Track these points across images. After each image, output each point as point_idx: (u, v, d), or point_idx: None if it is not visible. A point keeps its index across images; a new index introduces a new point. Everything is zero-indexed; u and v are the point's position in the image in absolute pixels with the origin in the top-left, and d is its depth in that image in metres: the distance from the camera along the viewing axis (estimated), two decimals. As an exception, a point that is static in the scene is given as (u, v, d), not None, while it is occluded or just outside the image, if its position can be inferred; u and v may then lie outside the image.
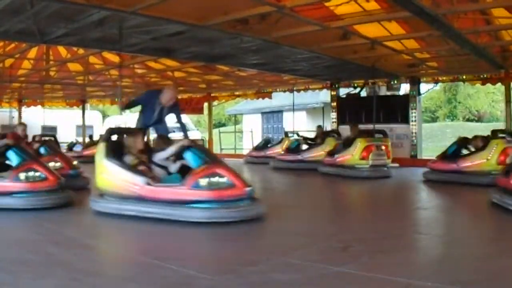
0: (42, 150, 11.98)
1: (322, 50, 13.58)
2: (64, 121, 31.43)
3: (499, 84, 18.24)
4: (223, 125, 49.72)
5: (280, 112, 32.09)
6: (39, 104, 27.69)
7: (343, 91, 21.36)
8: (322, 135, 17.80)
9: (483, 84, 18.97)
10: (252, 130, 31.76)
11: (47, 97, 26.49)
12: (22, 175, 8.67)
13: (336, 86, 21.03)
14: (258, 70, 17.30)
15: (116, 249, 6.55)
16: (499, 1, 9.74)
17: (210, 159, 8.12)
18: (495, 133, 12.72)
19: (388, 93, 20.82)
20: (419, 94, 19.36)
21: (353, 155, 14.24)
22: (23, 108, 27.06)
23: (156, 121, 9.52)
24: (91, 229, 7.69)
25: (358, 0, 9.52)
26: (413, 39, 12.94)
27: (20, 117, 26.03)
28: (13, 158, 9.06)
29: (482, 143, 12.32)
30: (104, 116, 43.34)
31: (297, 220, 8.12)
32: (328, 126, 22.36)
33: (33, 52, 15.28)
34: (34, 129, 25.36)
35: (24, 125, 12.47)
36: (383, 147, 14.76)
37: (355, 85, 20.63)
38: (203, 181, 7.47)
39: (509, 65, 16.01)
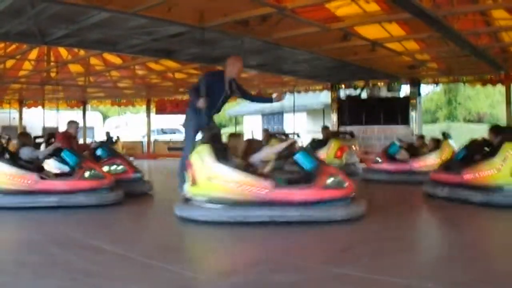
0: (99, 152, 11.72)
1: (323, 51, 13.60)
2: (65, 122, 31.41)
3: (499, 85, 18.26)
4: (224, 126, 49.75)
5: (280, 113, 32.09)
6: (39, 105, 27.66)
7: (343, 93, 21.38)
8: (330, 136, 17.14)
9: (483, 85, 19.00)
10: (252, 131, 31.77)
11: (48, 98, 26.47)
12: (87, 174, 9.14)
13: (337, 87, 21.06)
14: (258, 71, 17.31)
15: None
16: (499, 3, 9.77)
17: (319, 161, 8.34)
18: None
19: (389, 95, 20.86)
20: (419, 95, 19.38)
21: (328, 154, 14.91)
22: (24, 109, 26.98)
23: (218, 108, 9.31)
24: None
25: (358, 2, 9.53)
26: (413, 41, 12.96)
27: (20, 118, 26.03)
28: (68, 159, 9.50)
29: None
30: (105, 117, 43.37)
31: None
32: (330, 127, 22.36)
33: (34, 53, 15.29)
34: (34, 130, 25.44)
35: (76, 124, 12.19)
36: (353, 147, 16.73)
37: (356, 86, 20.66)
38: (330, 181, 7.62)
39: (509, 66, 16.04)
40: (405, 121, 19.02)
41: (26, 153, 9.46)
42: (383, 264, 5.21)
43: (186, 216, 7.70)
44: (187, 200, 7.98)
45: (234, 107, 38.51)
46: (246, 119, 37.78)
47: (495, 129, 9.96)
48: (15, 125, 26.60)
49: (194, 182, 7.77)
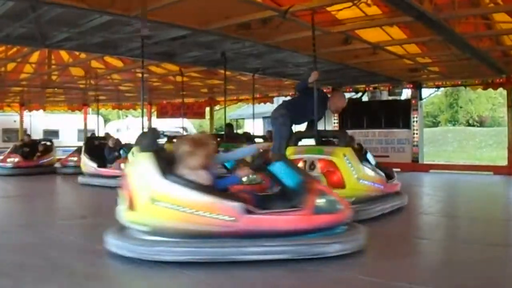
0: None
1: (324, 55, 13.57)
2: (66, 125, 31.43)
3: (501, 89, 18.26)
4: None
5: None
6: (41, 108, 27.70)
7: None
8: None
9: (484, 89, 19.02)
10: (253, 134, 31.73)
11: (49, 101, 26.50)
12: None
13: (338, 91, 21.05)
14: (259, 75, 17.30)
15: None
16: (501, 6, 9.75)
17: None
18: None
19: (390, 98, 20.87)
20: (421, 99, 19.36)
21: None
22: (25, 112, 26.97)
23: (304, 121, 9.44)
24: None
25: (359, 5, 9.51)
26: (414, 44, 12.95)
27: (21, 121, 26.03)
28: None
29: None
30: (106, 120, 43.37)
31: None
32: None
33: (35, 57, 15.26)
34: (35, 133, 25.44)
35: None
36: None
37: (357, 90, 20.67)
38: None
39: (511, 70, 16.01)
40: (406, 125, 19.00)
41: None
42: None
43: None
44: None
45: (234, 110, 38.51)
46: (247, 123, 37.75)
47: None
48: (16, 127, 26.63)
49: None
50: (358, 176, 7.90)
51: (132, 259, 5.32)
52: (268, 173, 6.14)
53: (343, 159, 7.80)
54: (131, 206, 5.55)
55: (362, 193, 7.86)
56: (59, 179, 16.90)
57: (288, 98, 21.55)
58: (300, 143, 9.01)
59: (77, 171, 16.18)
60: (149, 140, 5.88)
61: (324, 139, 8.84)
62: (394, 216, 8.51)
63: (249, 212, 5.32)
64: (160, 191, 5.37)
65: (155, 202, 5.35)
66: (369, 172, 8.27)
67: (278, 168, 6.04)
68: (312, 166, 7.97)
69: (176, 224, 5.31)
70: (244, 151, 6.58)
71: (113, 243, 5.64)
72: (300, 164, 7.92)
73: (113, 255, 5.54)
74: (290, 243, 5.33)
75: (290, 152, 8.44)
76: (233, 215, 5.25)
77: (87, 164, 15.16)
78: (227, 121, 21.08)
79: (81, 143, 18.88)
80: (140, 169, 5.61)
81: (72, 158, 18.22)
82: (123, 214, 5.74)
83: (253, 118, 19.67)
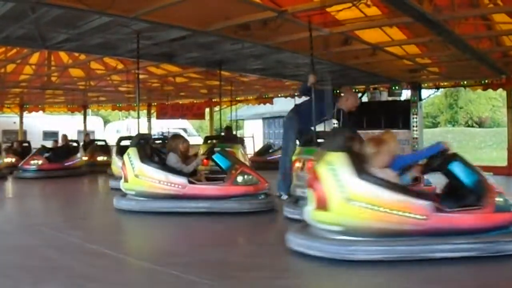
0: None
1: (323, 55, 13.59)
2: (65, 127, 31.42)
3: (501, 89, 18.27)
4: (224, 130, 49.63)
5: (281, 117, 32.09)
6: (40, 110, 27.70)
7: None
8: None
9: (484, 89, 19.02)
10: (253, 136, 31.82)
11: (49, 102, 26.50)
12: (239, 178, 8.96)
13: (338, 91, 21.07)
14: (259, 76, 17.31)
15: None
16: (501, 7, 9.74)
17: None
18: None
19: (389, 99, 20.87)
20: (420, 99, 19.37)
21: None
22: (25, 114, 26.93)
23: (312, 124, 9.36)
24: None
25: (359, 6, 9.51)
26: (414, 45, 12.95)
27: (21, 122, 26.03)
28: (220, 162, 9.56)
29: None
30: (106, 121, 43.41)
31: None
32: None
33: (34, 58, 15.27)
34: (35, 135, 25.48)
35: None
36: None
37: (357, 90, 20.66)
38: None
39: (511, 70, 16.02)
40: (406, 125, 18.99)
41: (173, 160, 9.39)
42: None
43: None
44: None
45: (234, 111, 38.52)
46: (247, 124, 37.81)
47: None
48: (16, 129, 26.65)
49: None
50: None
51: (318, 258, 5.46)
52: (447, 172, 6.25)
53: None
54: (323, 207, 5.63)
55: None
56: (87, 181, 16.61)
57: (289, 99, 21.72)
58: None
59: (39, 176, 16.09)
60: (340, 140, 5.86)
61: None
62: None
63: (438, 210, 5.49)
64: (356, 190, 5.45)
65: (350, 201, 5.44)
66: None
67: (457, 166, 6.16)
68: (304, 165, 8.43)
69: (370, 223, 5.42)
70: (429, 151, 6.52)
71: (301, 243, 5.78)
72: (298, 164, 8.61)
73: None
74: (477, 240, 5.45)
75: (296, 151, 9.09)
76: (424, 213, 5.40)
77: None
78: (227, 122, 21.05)
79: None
80: (334, 169, 5.61)
81: (34, 161, 17.08)
82: (311, 214, 5.88)
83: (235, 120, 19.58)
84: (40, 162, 16.81)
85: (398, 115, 19.17)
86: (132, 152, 9.28)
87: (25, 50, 13.24)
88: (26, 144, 20.72)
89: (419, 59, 14.60)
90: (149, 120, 28.41)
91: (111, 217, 9.20)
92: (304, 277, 5.21)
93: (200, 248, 6.48)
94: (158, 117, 27.20)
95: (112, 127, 39.61)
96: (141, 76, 18.37)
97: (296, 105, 10.63)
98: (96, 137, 32.32)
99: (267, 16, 9.59)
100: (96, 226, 8.54)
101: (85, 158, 18.85)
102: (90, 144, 20.60)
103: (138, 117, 11.53)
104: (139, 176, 9.03)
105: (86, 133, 22.57)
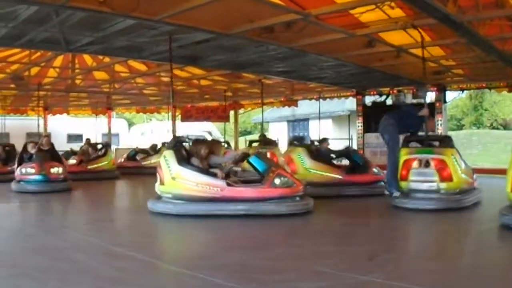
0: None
1: (348, 57, 13.59)
2: (90, 129, 31.59)
3: (526, 91, 18.12)
4: (249, 133, 49.75)
5: (306, 120, 32.07)
6: (64, 112, 27.86)
7: (368, 99, 21.36)
8: None
9: (509, 91, 18.82)
10: (278, 138, 31.79)
11: (73, 105, 26.68)
12: (277, 181, 9.36)
13: (362, 94, 21.01)
14: (284, 78, 17.33)
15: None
16: (526, 7, 9.68)
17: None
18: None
19: (414, 101, 20.76)
20: (445, 102, 19.26)
21: None
22: (49, 116, 27.03)
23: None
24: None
25: (383, 8, 9.49)
26: (438, 47, 12.89)
27: (45, 125, 26.11)
28: (257, 165, 9.90)
29: None
30: (130, 124, 43.60)
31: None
32: (354, 134, 22.27)
33: (58, 61, 15.44)
34: (59, 138, 25.64)
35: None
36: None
37: (381, 93, 20.59)
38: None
39: (537, 72, 15.88)
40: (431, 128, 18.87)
41: (215, 160, 10.02)
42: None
43: None
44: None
45: (259, 113, 38.52)
46: (272, 126, 37.78)
47: None
48: (40, 132, 26.77)
49: None
50: (462, 172, 9.93)
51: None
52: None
53: (451, 158, 9.81)
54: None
55: (464, 186, 9.97)
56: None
57: (314, 101, 21.76)
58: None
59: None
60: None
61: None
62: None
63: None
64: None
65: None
66: (466, 168, 10.34)
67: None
68: (427, 163, 9.89)
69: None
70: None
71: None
72: (415, 163, 10.08)
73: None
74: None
75: (403, 153, 10.45)
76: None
77: None
78: (251, 124, 21.08)
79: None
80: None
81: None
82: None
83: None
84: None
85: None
86: (169, 155, 9.70)
87: (49, 53, 13.37)
88: (8, 148, 19.00)
89: (443, 61, 14.53)
90: (174, 123, 28.42)
91: (142, 219, 9.34)
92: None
93: (229, 250, 6.59)
94: (182, 120, 27.25)
95: (137, 129, 39.74)
96: (166, 79, 18.59)
97: (389, 114, 11.97)
98: (121, 140, 32.56)
99: (291, 18, 9.61)
100: (126, 229, 8.64)
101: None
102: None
103: (174, 119, 11.83)
104: (176, 179, 9.43)
105: (87, 138, 21.76)
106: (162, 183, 9.68)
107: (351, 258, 5.95)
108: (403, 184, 10.19)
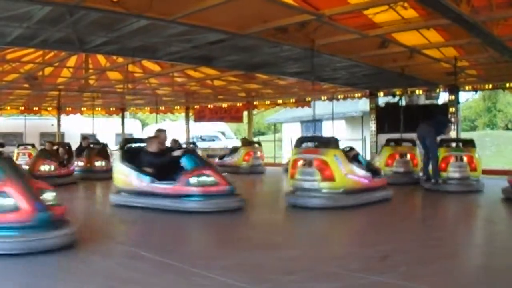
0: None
1: (361, 58, 13.61)
2: (103, 130, 31.67)
3: (540, 92, 18.04)
4: (262, 133, 49.80)
5: (319, 120, 32.02)
6: (78, 112, 27.95)
7: (382, 100, 21.35)
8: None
9: (524, 92, 18.77)
10: (291, 139, 31.75)
11: (86, 105, 26.78)
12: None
13: (375, 94, 20.99)
14: (297, 79, 17.35)
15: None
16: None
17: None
18: None
19: (427, 102, 20.73)
20: (458, 102, 19.21)
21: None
22: (62, 116, 26.99)
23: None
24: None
25: (396, 8, 9.51)
26: (452, 47, 12.88)
27: (59, 125, 26.16)
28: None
29: None
30: (144, 124, 43.69)
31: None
32: (368, 135, 22.26)
33: (72, 61, 15.58)
34: (73, 137, 25.75)
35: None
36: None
37: (395, 93, 20.57)
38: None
39: (551, 72, 15.83)
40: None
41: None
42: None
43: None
44: None
45: (272, 114, 38.54)
46: (285, 127, 37.76)
47: None
48: (53, 131, 26.88)
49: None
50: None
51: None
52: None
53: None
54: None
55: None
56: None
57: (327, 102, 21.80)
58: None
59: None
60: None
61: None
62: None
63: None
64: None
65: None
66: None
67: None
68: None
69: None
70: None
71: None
72: (453, 159, 13.16)
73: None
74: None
75: (442, 151, 13.39)
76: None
77: None
78: (264, 125, 21.15)
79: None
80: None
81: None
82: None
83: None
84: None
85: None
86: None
87: (62, 53, 13.49)
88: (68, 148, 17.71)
89: (457, 62, 14.51)
90: (187, 123, 28.54)
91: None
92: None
93: (241, 250, 6.58)
94: (196, 120, 27.34)
95: (151, 129, 39.81)
96: (179, 79, 18.66)
97: (427, 122, 13.96)
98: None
99: (305, 19, 9.65)
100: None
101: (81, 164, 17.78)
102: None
103: (187, 120, 11.79)
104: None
105: (84, 137, 20.32)
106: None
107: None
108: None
